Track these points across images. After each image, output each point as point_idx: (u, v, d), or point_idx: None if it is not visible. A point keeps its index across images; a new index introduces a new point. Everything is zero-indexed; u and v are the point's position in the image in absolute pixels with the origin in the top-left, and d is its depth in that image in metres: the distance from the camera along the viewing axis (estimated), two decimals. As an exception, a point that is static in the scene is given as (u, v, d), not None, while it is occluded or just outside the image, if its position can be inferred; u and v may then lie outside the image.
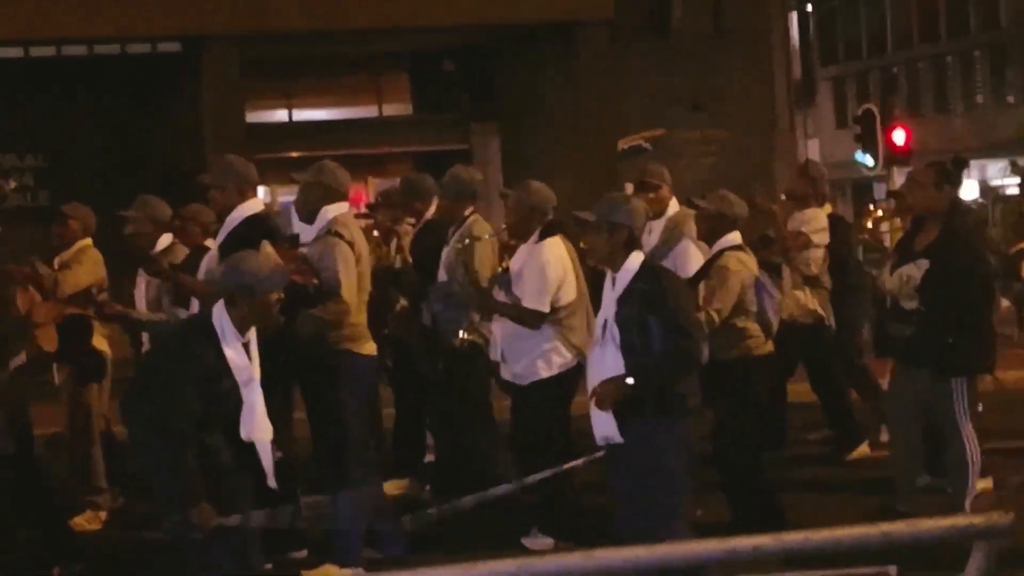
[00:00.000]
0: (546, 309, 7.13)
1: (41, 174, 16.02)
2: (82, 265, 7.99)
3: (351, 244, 6.87)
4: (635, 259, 5.67)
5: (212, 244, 7.37)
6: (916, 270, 6.91)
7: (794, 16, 17.47)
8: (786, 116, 17.78)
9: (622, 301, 5.61)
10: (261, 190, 18.78)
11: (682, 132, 15.72)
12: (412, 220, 8.46)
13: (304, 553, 7.09)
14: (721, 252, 7.15)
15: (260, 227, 6.78)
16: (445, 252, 7.59)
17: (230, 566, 5.72)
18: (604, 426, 5.70)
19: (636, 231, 5.71)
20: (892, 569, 2.29)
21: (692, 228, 7.82)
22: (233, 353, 5.59)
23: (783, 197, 8.89)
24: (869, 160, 18.23)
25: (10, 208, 13.27)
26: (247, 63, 15.21)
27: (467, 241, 7.52)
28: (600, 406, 5.64)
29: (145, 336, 7.76)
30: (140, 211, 7.84)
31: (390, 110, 18.03)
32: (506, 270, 7.39)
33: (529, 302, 7.13)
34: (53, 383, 8.11)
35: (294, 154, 15.90)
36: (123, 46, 15.76)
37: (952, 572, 2.40)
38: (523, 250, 7.30)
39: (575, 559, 2.24)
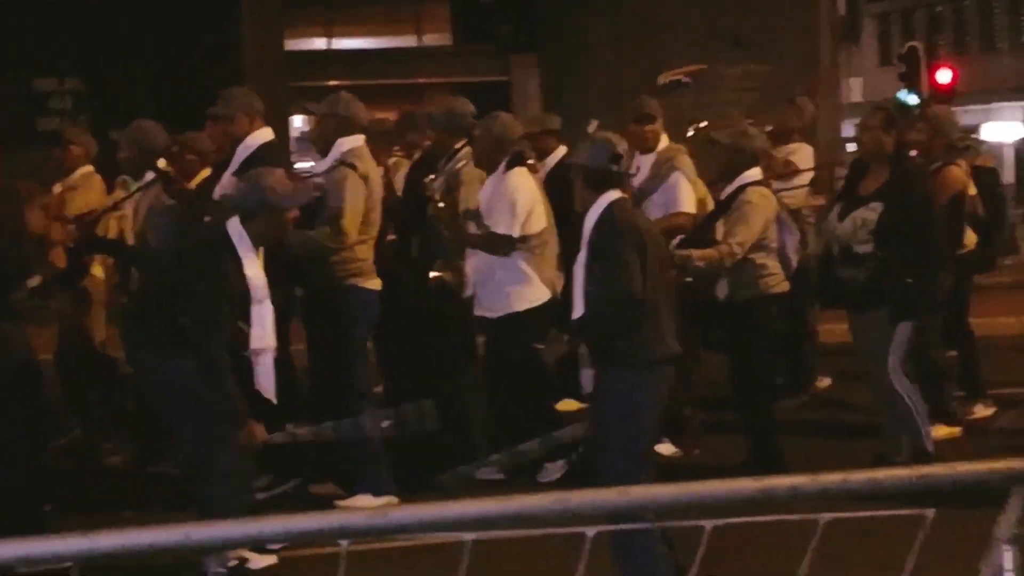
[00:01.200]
0: (515, 234, 7.13)
1: (80, 98, 16.02)
2: (89, 190, 7.97)
3: (364, 177, 6.88)
4: (601, 201, 5.38)
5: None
6: (871, 213, 6.83)
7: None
8: (829, 53, 17.55)
9: (586, 245, 5.39)
10: (298, 119, 18.77)
11: (723, 67, 15.54)
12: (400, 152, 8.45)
13: (330, 486, 7.12)
14: (743, 187, 7.09)
15: (274, 154, 6.80)
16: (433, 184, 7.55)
17: (241, 495, 5.77)
18: (585, 376, 5.57)
19: (596, 170, 5.41)
20: (930, 512, 2.26)
21: (684, 162, 7.79)
22: (249, 267, 5.60)
23: (768, 129, 8.83)
24: (913, 99, 18.02)
25: (47, 131, 13.28)
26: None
27: (453, 172, 7.52)
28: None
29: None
30: (131, 136, 7.68)
31: (430, 40, 17.92)
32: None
33: (499, 228, 7.14)
34: (48, 307, 8.05)
35: (333, 82, 15.84)
36: (164, -28, 15.72)
37: (989, 511, 2.38)
38: (491, 181, 7.31)
39: (611, 495, 2.22)
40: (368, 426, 6.30)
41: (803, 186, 8.96)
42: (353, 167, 6.88)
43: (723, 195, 7.28)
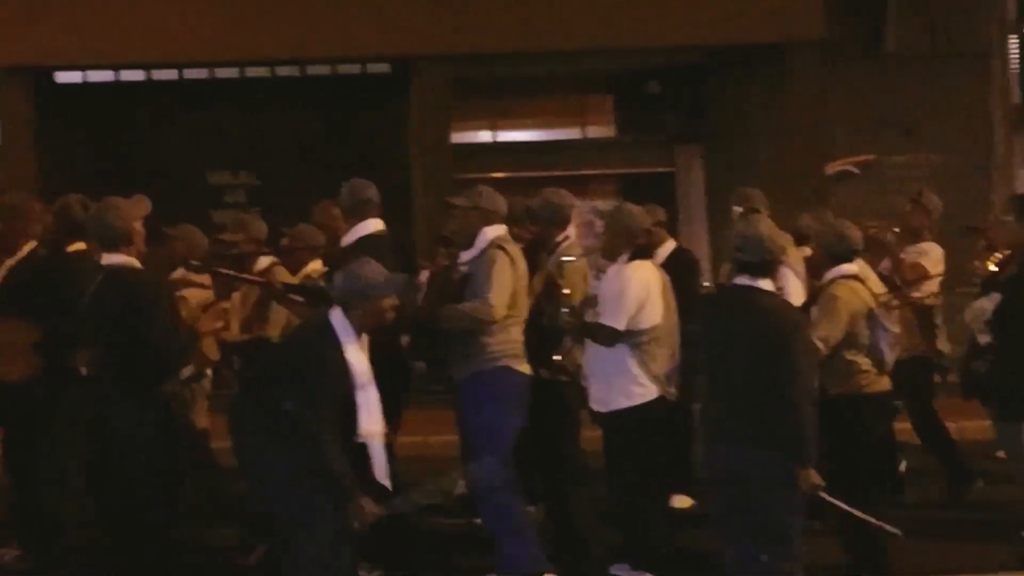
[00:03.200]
0: (620, 327, 7.02)
1: (253, 192, 16.44)
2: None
3: (513, 261, 6.92)
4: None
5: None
6: (988, 303, 6.64)
7: (1014, 39, 16.82)
8: (1003, 141, 17.14)
9: None
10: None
11: (892, 157, 15.29)
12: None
13: None
14: (832, 280, 6.92)
15: (375, 244, 6.98)
16: (534, 278, 7.50)
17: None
18: None
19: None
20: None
21: (792, 253, 7.65)
22: (352, 355, 5.86)
23: (896, 230, 8.63)
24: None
25: (222, 224, 13.62)
26: (453, 83, 15.36)
27: (556, 264, 7.49)
28: None
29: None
30: (241, 231, 7.96)
31: (594, 132, 17.97)
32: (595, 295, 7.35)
33: (605, 319, 7.06)
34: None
35: (498, 175, 15.97)
36: (334, 67, 16.09)
37: None
38: (611, 271, 7.26)
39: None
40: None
41: (932, 294, 8.70)
42: (503, 249, 6.93)
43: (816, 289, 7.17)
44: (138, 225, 6.45)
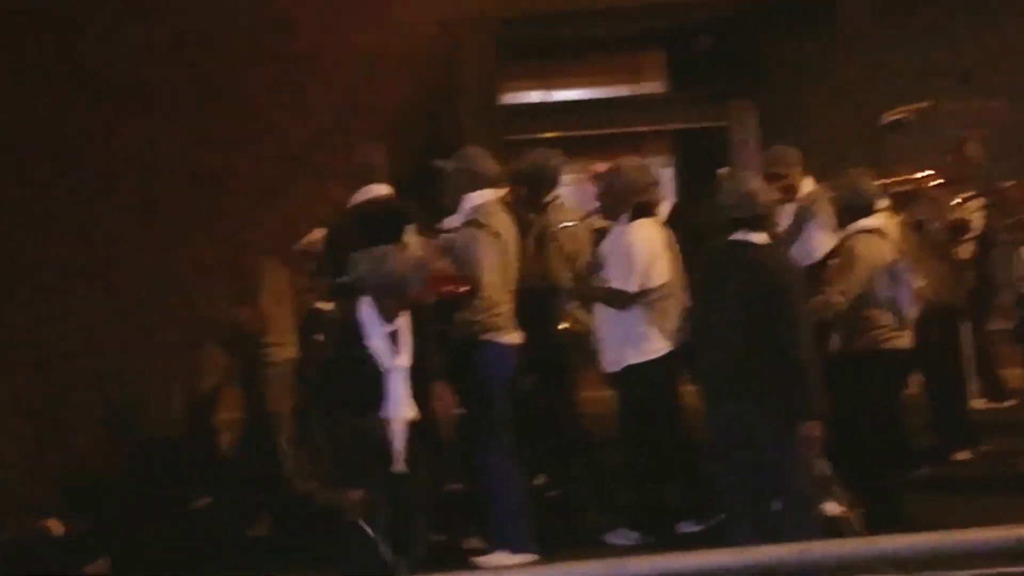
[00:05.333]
0: (632, 289, 6.97)
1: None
2: None
3: (496, 233, 6.85)
4: None
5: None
6: None
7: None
8: (1065, 86, 16.83)
9: None
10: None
11: (949, 104, 15.06)
12: None
13: (474, 541, 7.10)
14: (851, 234, 6.85)
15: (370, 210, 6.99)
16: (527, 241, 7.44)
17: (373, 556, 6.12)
18: None
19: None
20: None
21: (823, 208, 7.54)
22: (377, 343, 6.08)
23: (937, 182, 8.47)
24: None
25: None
26: (502, 45, 15.30)
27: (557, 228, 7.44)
28: None
29: None
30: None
31: (646, 88, 17.85)
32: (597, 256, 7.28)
33: (616, 283, 7.01)
34: None
35: (549, 134, 15.91)
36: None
37: None
38: (613, 232, 7.19)
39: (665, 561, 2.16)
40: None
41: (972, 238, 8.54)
42: (482, 225, 6.86)
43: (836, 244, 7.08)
44: None
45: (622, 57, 18.14)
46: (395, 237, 6.58)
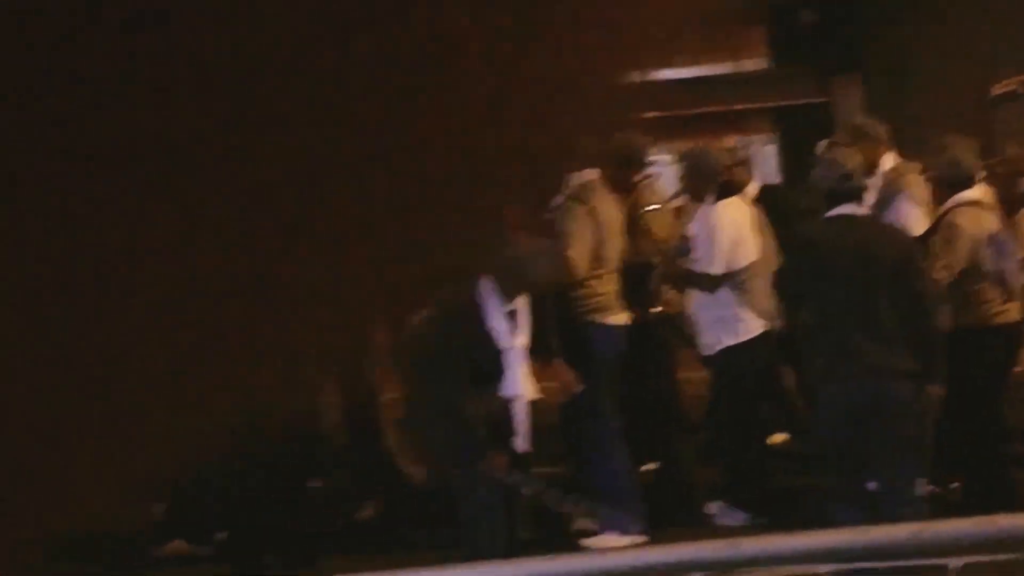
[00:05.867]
0: (718, 271, 6.92)
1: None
2: None
3: (592, 210, 6.86)
4: None
5: None
6: None
7: None
8: None
9: None
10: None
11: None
12: None
13: (583, 523, 7.09)
14: (951, 208, 6.69)
15: None
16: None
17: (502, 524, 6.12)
18: None
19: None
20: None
21: (911, 182, 7.36)
22: (496, 323, 6.12)
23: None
24: None
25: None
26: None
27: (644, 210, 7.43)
28: None
29: None
30: None
31: (747, 65, 17.67)
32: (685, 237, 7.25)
33: (702, 265, 6.96)
34: None
35: (650, 114, 15.81)
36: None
37: None
38: (699, 214, 7.15)
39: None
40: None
41: None
42: (579, 201, 6.90)
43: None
44: None
45: (722, 35, 17.95)
46: None
